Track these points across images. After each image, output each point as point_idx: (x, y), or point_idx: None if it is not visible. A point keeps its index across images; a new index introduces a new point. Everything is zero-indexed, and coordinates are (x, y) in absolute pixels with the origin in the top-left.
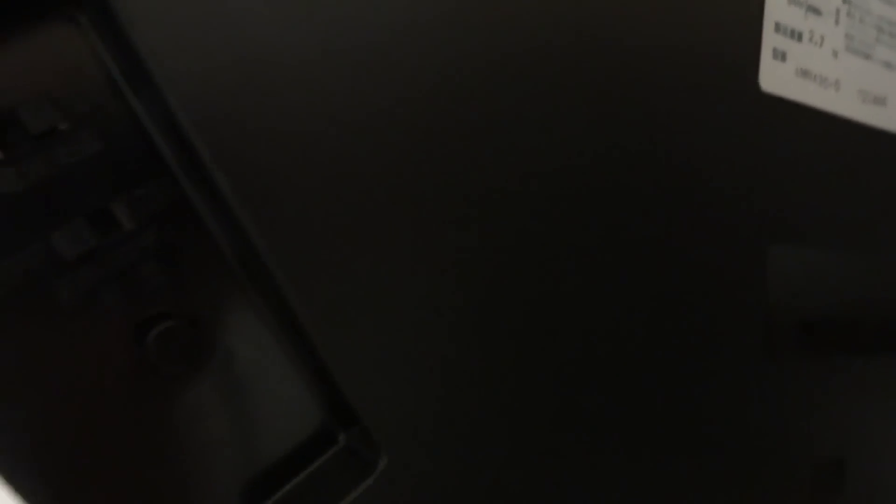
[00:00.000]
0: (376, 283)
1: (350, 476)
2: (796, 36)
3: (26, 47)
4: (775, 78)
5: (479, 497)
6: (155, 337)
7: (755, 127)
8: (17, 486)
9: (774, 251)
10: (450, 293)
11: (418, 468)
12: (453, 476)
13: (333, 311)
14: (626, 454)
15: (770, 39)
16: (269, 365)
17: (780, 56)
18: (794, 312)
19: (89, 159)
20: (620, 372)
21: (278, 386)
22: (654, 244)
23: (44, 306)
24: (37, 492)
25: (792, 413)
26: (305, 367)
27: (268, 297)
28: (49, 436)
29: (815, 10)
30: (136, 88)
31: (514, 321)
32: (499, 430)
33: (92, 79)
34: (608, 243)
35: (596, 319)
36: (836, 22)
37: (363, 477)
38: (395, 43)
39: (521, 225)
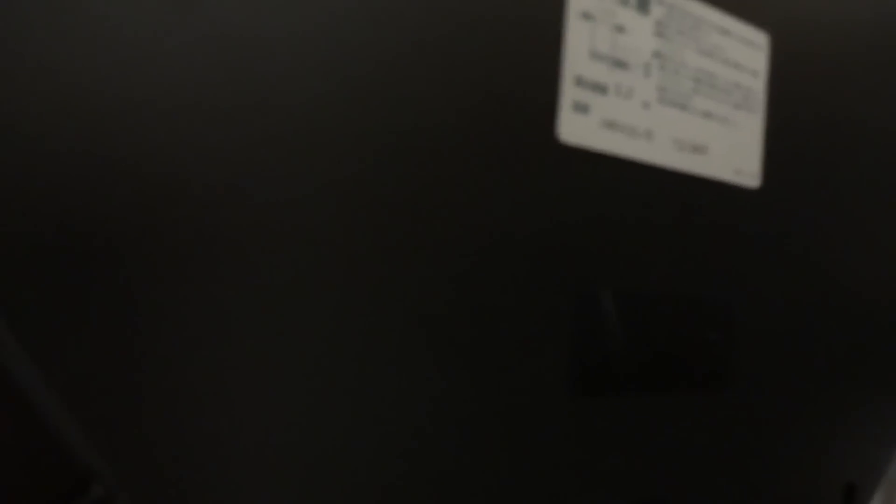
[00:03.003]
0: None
1: None
2: (600, 89)
3: None
4: (577, 130)
5: None
6: None
7: (555, 176)
8: None
9: (582, 295)
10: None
11: None
12: None
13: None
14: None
15: (570, 93)
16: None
17: (583, 109)
18: (598, 353)
19: None
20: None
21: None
22: (461, 289)
23: None
24: None
25: (606, 450)
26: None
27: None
28: None
29: (622, 64)
30: None
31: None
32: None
33: None
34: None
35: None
36: (647, 75)
37: None
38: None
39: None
